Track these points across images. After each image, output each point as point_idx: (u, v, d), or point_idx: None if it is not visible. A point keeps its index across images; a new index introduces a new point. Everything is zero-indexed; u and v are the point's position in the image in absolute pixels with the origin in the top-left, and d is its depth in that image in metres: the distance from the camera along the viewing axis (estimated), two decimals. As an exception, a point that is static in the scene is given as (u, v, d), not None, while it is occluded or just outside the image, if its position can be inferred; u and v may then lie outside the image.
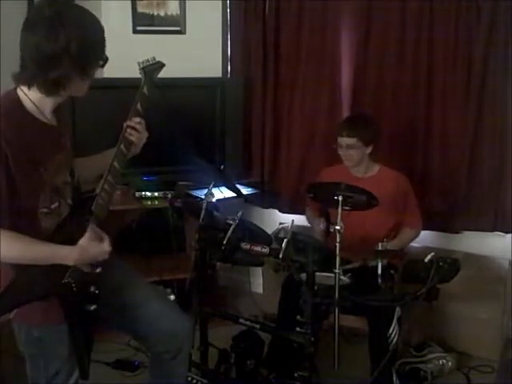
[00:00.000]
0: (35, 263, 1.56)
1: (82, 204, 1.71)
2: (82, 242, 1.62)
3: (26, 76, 1.56)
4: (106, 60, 1.64)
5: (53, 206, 1.65)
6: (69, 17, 1.52)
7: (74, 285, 1.63)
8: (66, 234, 1.64)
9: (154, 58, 1.80)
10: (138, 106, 1.76)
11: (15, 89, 1.61)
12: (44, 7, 1.53)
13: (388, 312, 2.46)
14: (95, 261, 1.66)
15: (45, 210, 1.63)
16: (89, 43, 1.55)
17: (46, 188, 1.62)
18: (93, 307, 1.67)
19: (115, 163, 1.73)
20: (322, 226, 2.84)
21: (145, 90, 1.76)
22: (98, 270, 1.68)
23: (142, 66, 1.77)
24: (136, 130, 1.77)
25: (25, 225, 1.58)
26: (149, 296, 1.96)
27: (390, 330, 2.44)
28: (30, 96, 1.59)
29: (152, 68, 1.78)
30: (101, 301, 1.69)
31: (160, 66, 1.81)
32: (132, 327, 1.94)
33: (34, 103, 1.60)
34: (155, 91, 1.79)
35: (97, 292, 1.69)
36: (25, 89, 1.59)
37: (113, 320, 1.87)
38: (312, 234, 2.87)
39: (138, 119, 1.77)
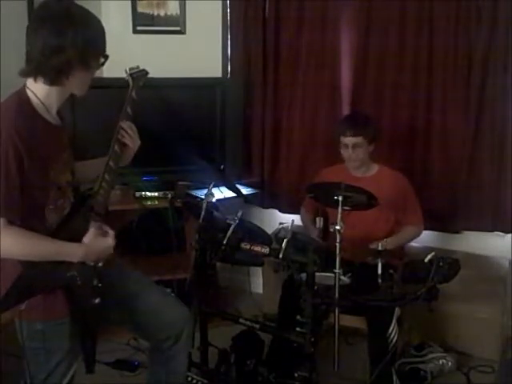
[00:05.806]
0: (42, 259, 1.61)
1: (82, 201, 1.78)
2: (87, 239, 1.70)
3: (31, 67, 1.62)
4: (106, 57, 1.71)
5: (58, 203, 1.71)
6: (76, 14, 1.62)
7: (78, 278, 1.69)
8: (69, 230, 1.70)
9: (138, 67, 1.91)
10: (128, 109, 1.85)
11: (24, 88, 1.66)
12: (52, 5, 1.62)
13: (387, 312, 2.46)
14: (101, 257, 1.74)
15: (51, 206, 1.69)
16: (93, 38, 1.65)
17: (53, 186, 1.68)
18: (97, 300, 1.74)
19: (110, 163, 1.80)
20: (318, 225, 2.84)
21: (133, 94, 1.86)
22: (99, 264, 1.75)
23: (129, 72, 1.87)
24: (127, 134, 1.86)
25: (32, 220, 1.64)
26: (146, 286, 2.03)
27: (390, 330, 2.44)
28: (37, 93, 1.64)
29: (139, 74, 1.90)
30: (101, 295, 1.75)
31: (145, 73, 1.93)
32: (132, 319, 1.98)
33: (41, 101, 1.65)
34: (140, 96, 1.89)
35: (99, 285, 1.75)
36: (32, 84, 1.65)
37: (113, 314, 1.91)
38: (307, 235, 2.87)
39: (128, 123, 1.86)
